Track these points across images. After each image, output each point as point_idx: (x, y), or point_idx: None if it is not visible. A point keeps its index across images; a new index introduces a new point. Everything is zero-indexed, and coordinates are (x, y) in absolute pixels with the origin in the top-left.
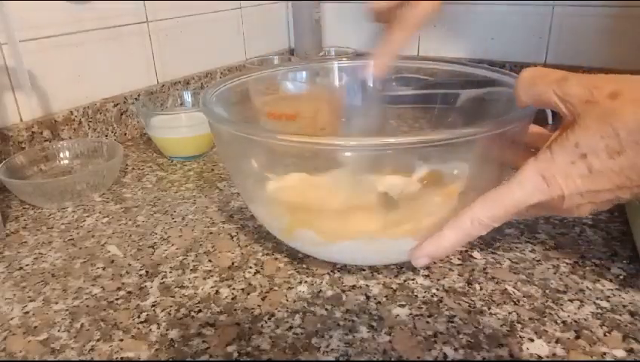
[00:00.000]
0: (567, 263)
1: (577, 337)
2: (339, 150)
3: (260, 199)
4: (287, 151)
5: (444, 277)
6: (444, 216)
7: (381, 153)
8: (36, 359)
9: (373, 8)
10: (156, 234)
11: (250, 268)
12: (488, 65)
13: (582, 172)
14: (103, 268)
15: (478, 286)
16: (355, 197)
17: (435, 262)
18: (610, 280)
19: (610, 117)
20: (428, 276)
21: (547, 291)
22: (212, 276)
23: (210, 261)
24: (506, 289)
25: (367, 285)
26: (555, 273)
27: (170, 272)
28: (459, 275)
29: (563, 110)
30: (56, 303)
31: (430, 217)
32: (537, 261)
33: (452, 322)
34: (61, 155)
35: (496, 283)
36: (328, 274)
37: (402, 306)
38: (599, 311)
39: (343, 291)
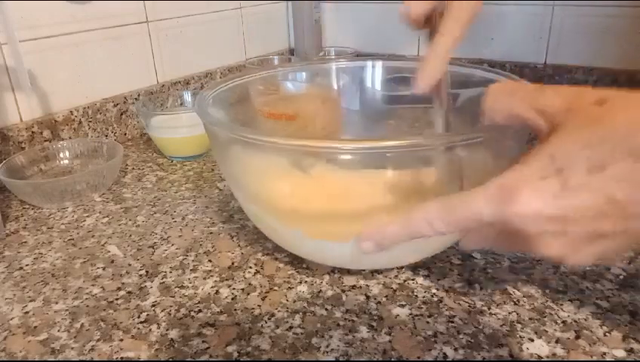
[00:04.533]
0: None
1: (577, 337)
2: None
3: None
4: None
5: (444, 277)
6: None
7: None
8: (36, 359)
9: (410, 16)
10: (156, 234)
11: (250, 268)
12: (488, 66)
13: (553, 189)
14: (103, 268)
15: (478, 286)
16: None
17: (435, 262)
18: (610, 280)
19: (596, 123)
20: (428, 276)
21: (547, 291)
22: (212, 276)
23: (210, 261)
24: (506, 289)
25: (367, 285)
26: (555, 273)
27: (170, 272)
28: (459, 275)
29: (540, 123)
30: (56, 303)
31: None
32: (537, 261)
33: (452, 322)
34: (61, 155)
35: (496, 283)
36: (328, 274)
37: (402, 306)
38: (599, 311)
39: (343, 291)
